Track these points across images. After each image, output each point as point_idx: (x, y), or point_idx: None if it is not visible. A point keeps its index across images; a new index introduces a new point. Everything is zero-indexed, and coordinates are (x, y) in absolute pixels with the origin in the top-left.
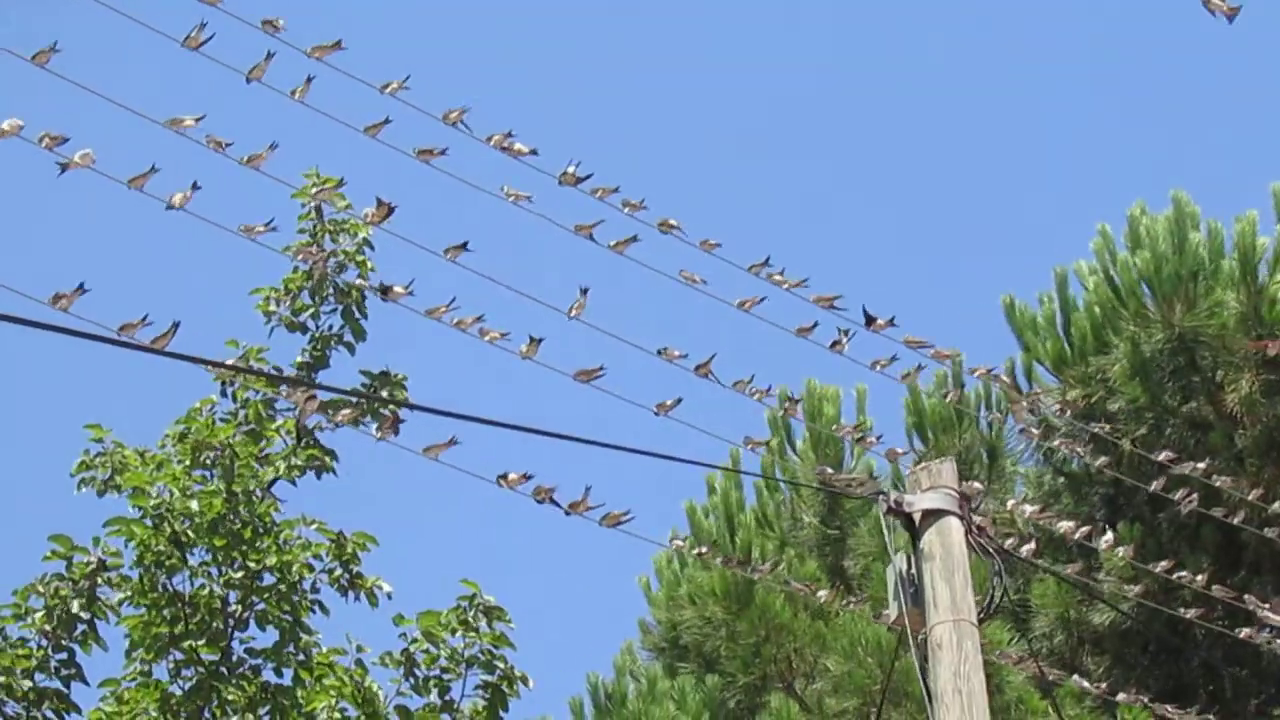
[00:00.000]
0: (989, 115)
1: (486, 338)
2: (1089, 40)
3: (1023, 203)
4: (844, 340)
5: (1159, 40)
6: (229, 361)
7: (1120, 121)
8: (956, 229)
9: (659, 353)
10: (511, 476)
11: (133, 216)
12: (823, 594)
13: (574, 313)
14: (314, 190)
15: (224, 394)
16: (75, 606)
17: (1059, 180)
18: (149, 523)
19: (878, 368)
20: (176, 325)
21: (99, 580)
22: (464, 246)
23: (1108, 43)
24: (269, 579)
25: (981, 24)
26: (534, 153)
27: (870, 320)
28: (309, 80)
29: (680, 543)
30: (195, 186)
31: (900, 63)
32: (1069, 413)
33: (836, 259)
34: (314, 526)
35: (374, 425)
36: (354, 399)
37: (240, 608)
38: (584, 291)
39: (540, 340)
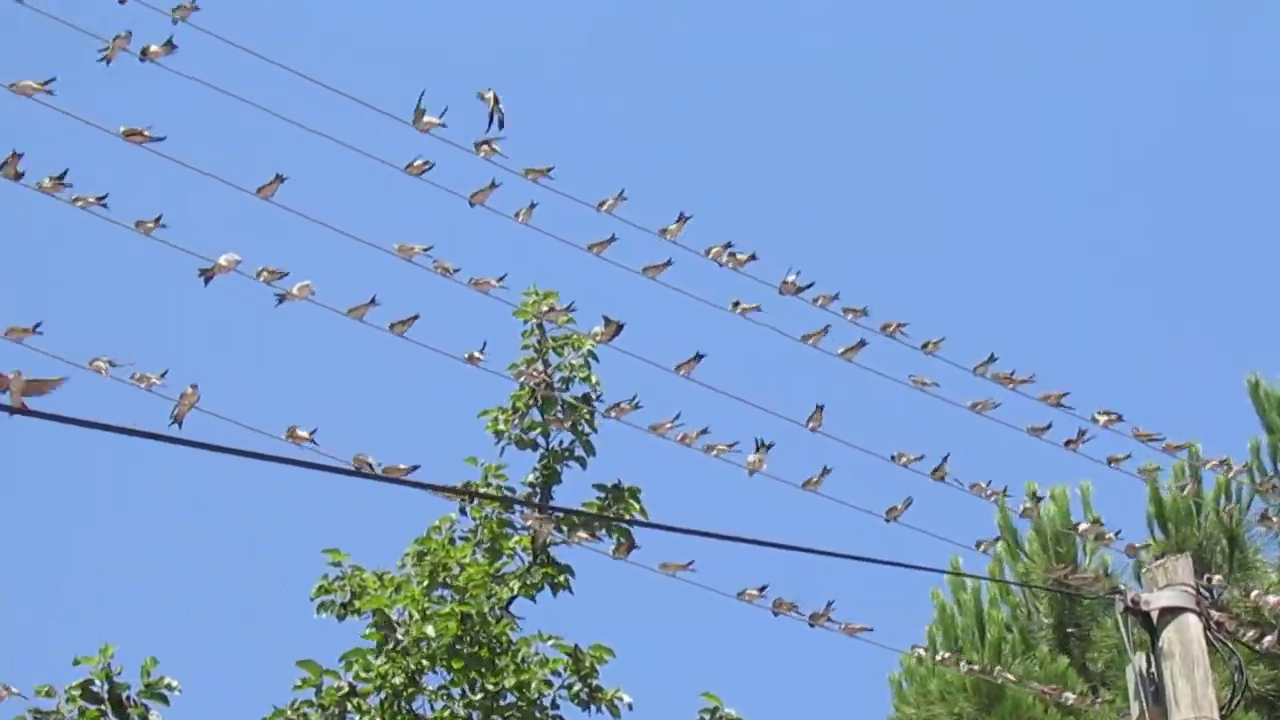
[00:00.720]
0: (1211, 185)
1: (714, 452)
2: None
3: (1267, 278)
4: (1079, 439)
5: None
6: (465, 485)
7: None
8: (1191, 306)
9: (893, 458)
10: (749, 592)
11: (355, 345)
12: (1069, 696)
13: (812, 425)
14: (537, 307)
15: (462, 512)
16: None
17: None
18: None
19: (1113, 464)
20: (415, 467)
21: (348, 706)
22: (698, 358)
23: None
24: (509, 698)
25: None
26: (753, 258)
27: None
28: (532, 206)
29: (923, 651)
30: (413, 318)
31: (1134, 135)
32: None
33: (1056, 346)
34: (550, 642)
35: (610, 542)
36: (590, 518)
37: None
38: (819, 409)
39: (769, 446)
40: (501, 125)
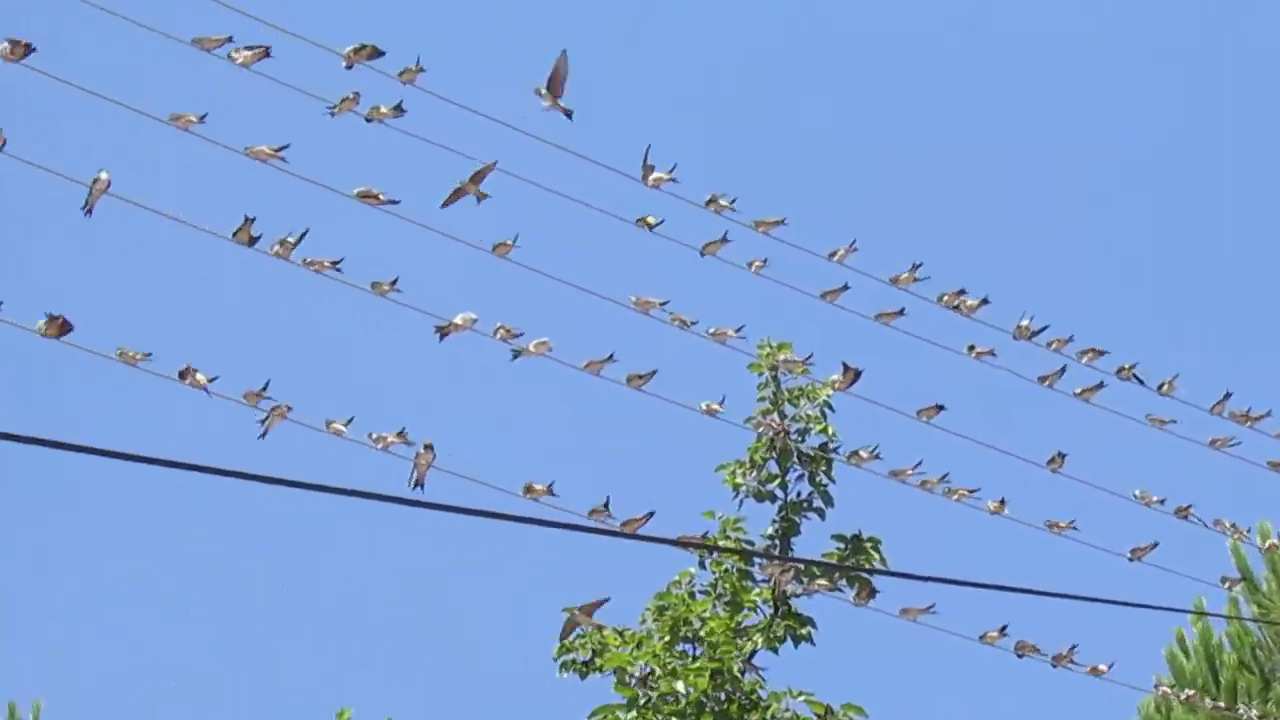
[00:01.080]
0: None
1: (954, 496)
2: None
3: None
4: None
5: None
6: (704, 537)
7: None
8: None
9: (1136, 496)
10: (991, 635)
11: (591, 400)
12: None
13: (1054, 467)
14: (772, 359)
15: (701, 566)
16: None
17: None
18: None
19: None
20: (651, 514)
21: None
22: (938, 408)
23: None
24: None
25: None
26: (985, 302)
27: None
28: (764, 261)
29: (1166, 689)
30: (651, 373)
31: None
32: None
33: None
34: (800, 698)
35: (850, 591)
36: (831, 568)
37: None
38: (1061, 456)
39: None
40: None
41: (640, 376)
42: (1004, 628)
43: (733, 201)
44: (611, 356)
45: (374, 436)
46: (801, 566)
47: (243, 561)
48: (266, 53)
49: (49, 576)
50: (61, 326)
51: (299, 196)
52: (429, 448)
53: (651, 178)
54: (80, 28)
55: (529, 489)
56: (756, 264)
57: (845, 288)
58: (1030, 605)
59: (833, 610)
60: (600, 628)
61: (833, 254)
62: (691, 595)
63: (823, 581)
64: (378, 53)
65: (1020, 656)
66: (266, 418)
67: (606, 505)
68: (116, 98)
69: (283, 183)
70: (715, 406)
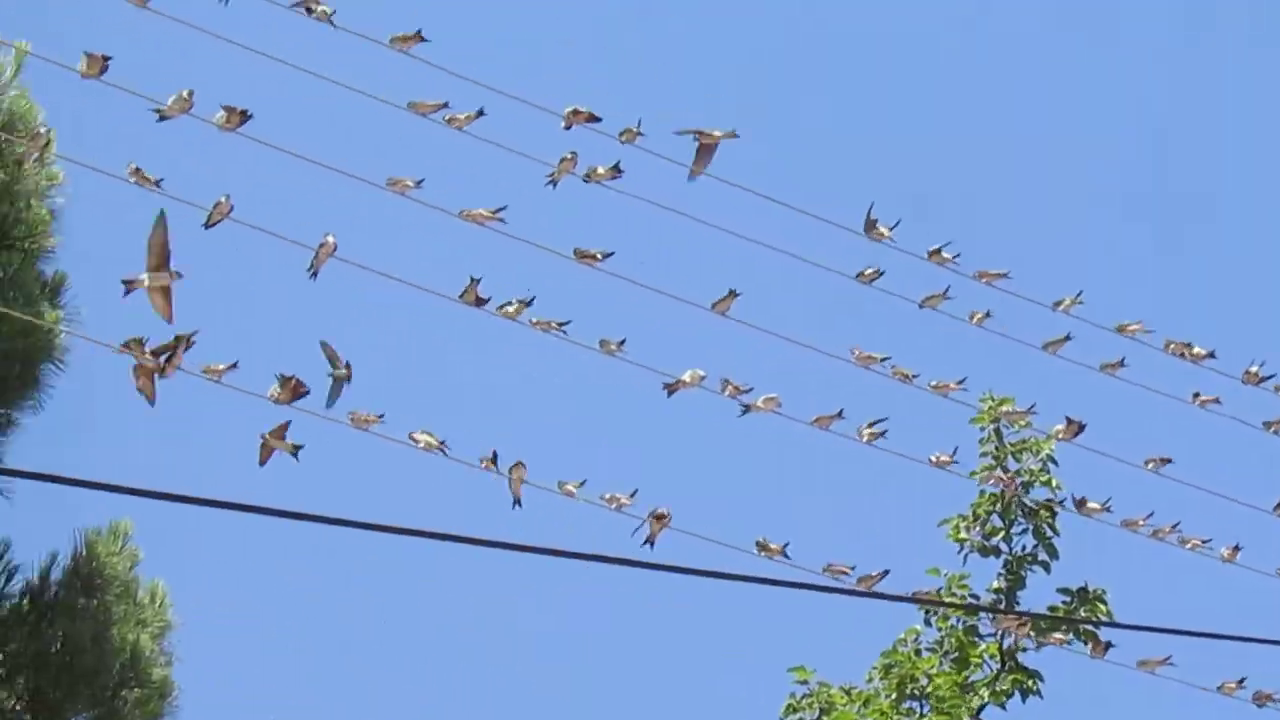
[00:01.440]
0: None
1: (1188, 546)
2: None
3: None
4: None
5: None
6: (930, 593)
7: None
8: None
9: None
10: (1229, 685)
11: (820, 454)
12: None
13: None
14: (994, 412)
15: (927, 623)
16: None
17: None
18: None
19: None
20: (885, 573)
21: None
22: (1165, 461)
23: None
24: None
25: None
26: (1212, 355)
27: None
28: (988, 314)
29: None
30: (881, 421)
31: None
32: None
33: None
34: None
35: (1077, 644)
36: (1059, 621)
37: None
38: None
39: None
40: None
41: (870, 426)
42: (1242, 680)
43: (956, 256)
44: (841, 413)
45: (606, 497)
46: (1029, 620)
47: (465, 619)
48: (480, 113)
49: None
50: (295, 390)
51: (518, 256)
52: (661, 517)
53: (875, 231)
54: (295, 93)
55: (762, 546)
56: (979, 316)
57: (1067, 338)
58: (1268, 654)
59: (1060, 663)
60: (826, 685)
61: (1058, 304)
62: (918, 652)
63: (1058, 635)
64: (594, 117)
65: (1260, 706)
66: (511, 481)
67: (782, 548)
68: (335, 164)
69: (501, 243)
70: (945, 458)
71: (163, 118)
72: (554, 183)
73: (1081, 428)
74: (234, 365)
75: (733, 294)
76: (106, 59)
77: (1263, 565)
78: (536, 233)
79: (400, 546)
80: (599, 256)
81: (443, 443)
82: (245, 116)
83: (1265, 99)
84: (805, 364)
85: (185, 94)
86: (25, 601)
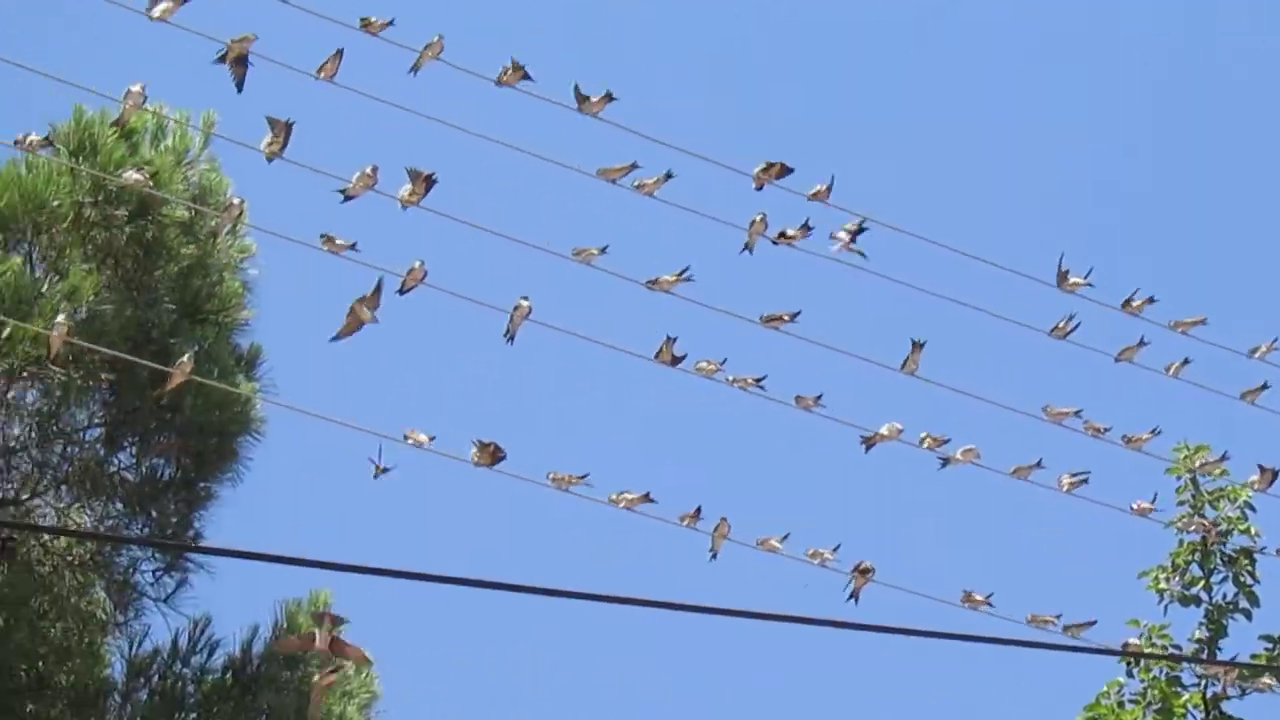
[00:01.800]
0: None
1: None
2: None
3: None
4: None
5: None
6: (1132, 643)
7: None
8: None
9: None
10: None
11: (1020, 505)
12: None
13: None
14: (1190, 462)
15: (1129, 674)
16: None
17: None
18: None
19: None
20: (1092, 622)
21: None
22: None
23: None
24: None
25: None
26: None
27: None
28: (1185, 361)
29: None
30: (1083, 474)
31: None
32: None
33: None
34: None
35: None
36: (1260, 669)
37: None
38: None
39: None
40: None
41: (1074, 477)
42: None
43: (1150, 299)
44: (1040, 463)
45: (810, 553)
46: (1230, 669)
47: (672, 680)
48: (668, 177)
49: None
50: (494, 454)
51: (706, 316)
52: (865, 571)
53: (1068, 282)
54: (480, 162)
55: (967, 598)
56: (1175, 366)
57: (1264, 387)
58: None
59: (1266, 710)
60: None
61: (1254, 351)
62: (1121, 704)
63: (1268, 680)
64: (786, 170)
65: None
66: (714, 538)
67: (987, 598)
68: (520, 231)
69: (689, 304)
70: (1147, 506)
71: (348, 198)
72: (749, 249)
73: (1275, 475)
74: (433, 438)
75: (917, 346)
76: (289, 125)
77: None
78: (725, 291)
79: (609, 609)
80: (786, 318)
81: (646, 494)
82: (430, 182)
83: None
84: (1002, 418)
85: (369, 170)
86: (228, 676)
